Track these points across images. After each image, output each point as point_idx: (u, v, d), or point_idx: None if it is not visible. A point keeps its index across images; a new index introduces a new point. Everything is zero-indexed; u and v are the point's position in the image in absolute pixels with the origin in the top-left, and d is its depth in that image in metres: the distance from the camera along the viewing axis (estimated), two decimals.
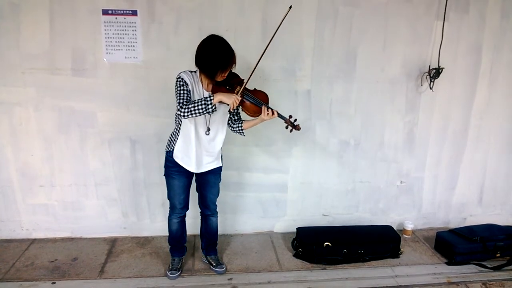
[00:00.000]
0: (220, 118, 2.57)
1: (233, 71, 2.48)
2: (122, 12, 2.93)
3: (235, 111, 2.63)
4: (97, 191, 3.26)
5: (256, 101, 2.47)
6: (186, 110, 2.32)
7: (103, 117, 3.10)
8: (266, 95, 2.52)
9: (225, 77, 2.41)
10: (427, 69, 3.25)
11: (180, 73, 2.45)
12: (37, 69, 2.95)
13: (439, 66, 3.20)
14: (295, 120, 2.51)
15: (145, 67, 3.01)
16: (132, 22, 2.95)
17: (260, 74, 3.11)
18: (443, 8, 3.13)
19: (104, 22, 2.93)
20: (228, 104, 2.37)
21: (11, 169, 3.15)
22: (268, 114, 2.43)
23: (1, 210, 3.24)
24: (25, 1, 2.82)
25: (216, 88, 2.44)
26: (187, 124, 2.51)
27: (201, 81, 2.48)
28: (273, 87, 3.15)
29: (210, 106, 2.32)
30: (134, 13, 2.93)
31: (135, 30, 2.97)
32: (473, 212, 3.73)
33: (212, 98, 2.32)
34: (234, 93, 2.40)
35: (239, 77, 2.52)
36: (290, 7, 2.40)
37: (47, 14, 2.86)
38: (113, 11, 2.92)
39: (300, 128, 2.50)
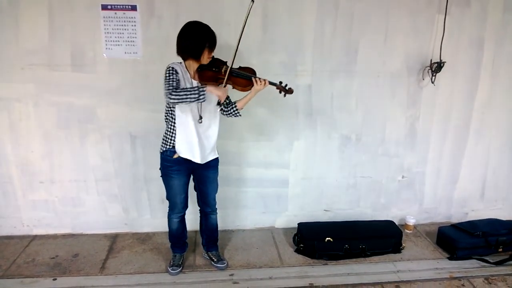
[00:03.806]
0: (212, 105, 2.56)
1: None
2: (121, 7, 2.91)
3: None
4: (97, 187, 3.26)
5: (245, 75, 2.51)
6: (176, 97, 2.31)
7: (103, 113, 3.09)
8: (253, 69, 2.57)
9: (210, 58, 2.46)
10: (428, 63, 3.23)
11: (169, 64, 2.47)
12: (36, 64, 2.94)
13: (440, 60, 3.18)
14: (286, 85, 2.56)
15: (145, 62, 2.99)
16: (132, 17, 2.93)
17: (261, 69, 3.08)
18: (445, 2, 3.10)
19: (104, 17, 2.91)
20: (218, 97, 2.46)
21: (11, 165, 3.14)
22: (260, 83, 2.48)
23: (1, 207, 3.23)
24: None
25: (203, 72, 2.47)
26: (183, 117, 2.50)
27: (187, 71, 2.50)
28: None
29: (202, 96, 2.35)
30: (133, 8, 2.92)
31: (135, 25, 2.95)
32: (475, 207, 3.71)
33: (205, 88, 2.36)
34: (221, 73, 2.46)
35: (222, 60, 2.55)
36: (253, 1, 2.41)
37: (46, 9, 2.85)
38: (112, 6, 2.90)
39: (292, 91, 2.56)
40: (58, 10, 2.86)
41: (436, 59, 3.20)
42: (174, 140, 2.56)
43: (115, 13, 2.92)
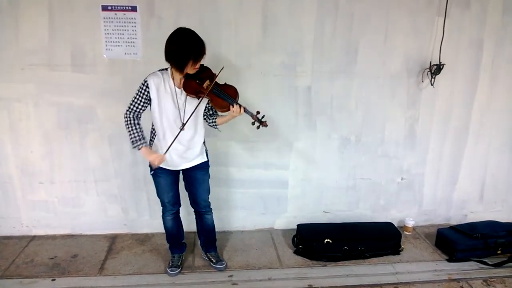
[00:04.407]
0: (194, 115, 2.50)
1: (204, 65, 2.50)
2: (121, 8, 2.91)
3: (210, 106, 2.62)
4: (97, 187, 3.26)
5: (224, 96, 2.44)
6: (125, 122, 2.47)
7: (103, 113, 3.09)
8: (236, 91, 2.49)
9: (197, 69, 2.41)
10: (428, 65, 3.23)
11: (148, 75, 2.46)
12: (37, 65, 2.94)
13: (440, 62, 3.18)
14: (263, 116, 2.47)
15: (145, 63, 2.99)
16: (132, 18, 2.94)
17: (260, 69, 3.10)
18: (444, 3, 3.11)
19: (104, 18, 2.92)
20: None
21: (11, 166, 3.14)
22: (235, 110, 2.42)
23: (1, 207, 3.24)
24: None
25: (187, 81, 2.43)
26: (157, 125, 2.51)
27: (172, 78, 2.48)
28: (274, 83, 3.14)
29: (133, 146, 2.47)
30: (133, 8, 2.92)
31: (135, 26, 2.95)
32: (474, 208, 3.71)
33: (140, 148, 2.47)
34: (203, 88, 2.42)
35: (210, 70, 2.50)
36: (222, 68, 2.42)
37: (46, 9, 2.85)
38: (113, 7, 2.91)
39: (267, 125, 2.46)
40: (58, 10, 2.86)
41: (435, 61, 3.20)
42: (152, 145, 2.60)
43: (115, 14, 2.92)
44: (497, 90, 3.40)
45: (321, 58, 3.16)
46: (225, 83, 2.51)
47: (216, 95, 2.44)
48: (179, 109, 2.49)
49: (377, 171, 3.50)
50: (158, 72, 2.49)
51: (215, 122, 2.65)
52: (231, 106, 2.42)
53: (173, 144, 2.48)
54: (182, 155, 2.59)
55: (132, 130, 2.46)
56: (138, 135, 2.46)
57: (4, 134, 3.07)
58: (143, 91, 2.45)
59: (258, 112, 2.46)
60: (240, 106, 2.43)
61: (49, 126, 3.08)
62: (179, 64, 2.35)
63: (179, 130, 2.47)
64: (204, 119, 2.66)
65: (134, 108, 2.47)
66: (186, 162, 2.64)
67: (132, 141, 2.46)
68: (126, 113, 2.48)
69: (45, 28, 2.88)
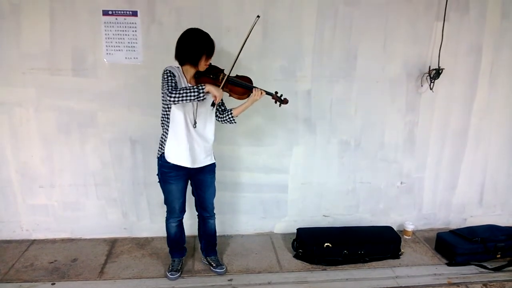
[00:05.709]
0: (207, 110, 2.57)
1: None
2: (122, 12, 2.93)
3: (220, 102, 2.68)
4: (97, 191, 3.26)
5: (242, 84, 2.55)
6: (177, 95, 2.33)
7: (103, 117, 3.10)
8: (250, 78, 2.62)
9: (207, 65, 2.50)
10: (427, 70, 3.25)
11: (166, 67, 2.50)
12: (38, 69, 2.95)
13: (439, 66, 3.20)
14: (281, 95, 2.61)
15: (145, 68, 3.01)
16: (133, 23, 2.95)
17: (261, 74, 3.11)
18: (443, 8, 3.13)
19: (105, 22, 2.93)
20: (214, 97, 2.43)
21: (11, 170, 3.14)
22: (256, 94, 2.53)
23: (1, 211, 3.23)
24: (26, 1, 2.83)
25: (200, 79, 2.50)
26: (176, 121, 2.51)
27: (184, 76, 2.53)
28: (274, 88, 3.14)
29: (202, 94, 2.36)
30: (134, 13, 2.93)
31: (135, 31, 2.97)
32: (474, 212, 3.72)
33: (204, 87, 2.37)
34: (219, 81, 2.49)
35: (218, 68, 2.58)
36: (258, 16, 2.47)
37: (48, 14, 2.87)
38: (113, 12, 2.92)
39: (287, 101, 2.62)
40: (60, 15, 2.88)
41: (434, 65, 3.22)
42: (165, 145, 2.58)
43: (116, 19, 2.94)
44: (496, 94, 3.41)
45: (320, 63, 3.17)
46: (237, 75, 2.61)
47: (234, 85, 2.54)
48: (192, 105, 2.52)
49: (377, 175, 3.50)
50: (173, 66, 2.53)
51: (230, 115, 2.68)
52: (251, 91, 2.52)
53: (195, 140, 2.56)
54: (195, 152, 2.60)
55: (185, 89, 2.35)
56: (191, 86, 2.38)
57: (4, 138, 3.07)
58: (170, 75, 2.44)
59: (276, 92, 2.61)
60: (260, 89, 2.54)
61: (50, 130, 3.09)
62: (194, 59, 2.44)
63: (193, 127, 2.54)
64: (217, 116, 2.70)
65: (173, 88, 2.38)
66: (200, 159, 2.65)
67: (197, 92, 2.34)
68: (170, 90, 2.34)
69: (46, 32, 2.90)
